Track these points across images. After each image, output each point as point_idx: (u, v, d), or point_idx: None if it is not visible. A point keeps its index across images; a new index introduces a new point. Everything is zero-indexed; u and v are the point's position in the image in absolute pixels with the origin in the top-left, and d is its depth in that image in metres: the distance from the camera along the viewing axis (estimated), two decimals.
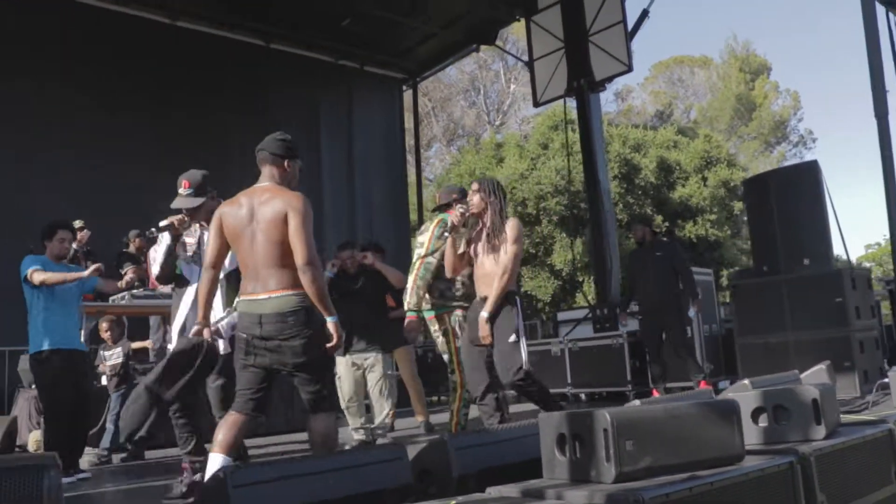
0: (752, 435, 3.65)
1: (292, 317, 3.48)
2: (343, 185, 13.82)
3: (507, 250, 4.73)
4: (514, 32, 24.04)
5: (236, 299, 3.83)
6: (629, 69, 11.20)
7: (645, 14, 11.32)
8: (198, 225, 4.75)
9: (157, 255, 4.72)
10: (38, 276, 5.29)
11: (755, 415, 3.73)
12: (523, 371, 4.60)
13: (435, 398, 11.98)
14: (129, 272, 8.48)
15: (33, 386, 7.83)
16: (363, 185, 13.97)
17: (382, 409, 6.42)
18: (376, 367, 6.40)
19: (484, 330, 4.69)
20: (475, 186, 4.98)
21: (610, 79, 11.85)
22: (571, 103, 12.14)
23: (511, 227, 4.78)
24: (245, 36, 12.75)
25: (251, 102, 12.70)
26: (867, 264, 28.66)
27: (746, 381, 4.81)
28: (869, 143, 49.85)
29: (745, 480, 2.82)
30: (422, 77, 15.62)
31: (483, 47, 15.64)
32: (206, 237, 4.46)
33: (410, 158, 17.24)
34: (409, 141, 16.69)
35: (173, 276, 4.78)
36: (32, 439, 7.21)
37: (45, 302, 5.42)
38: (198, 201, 4.62)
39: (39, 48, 10.56)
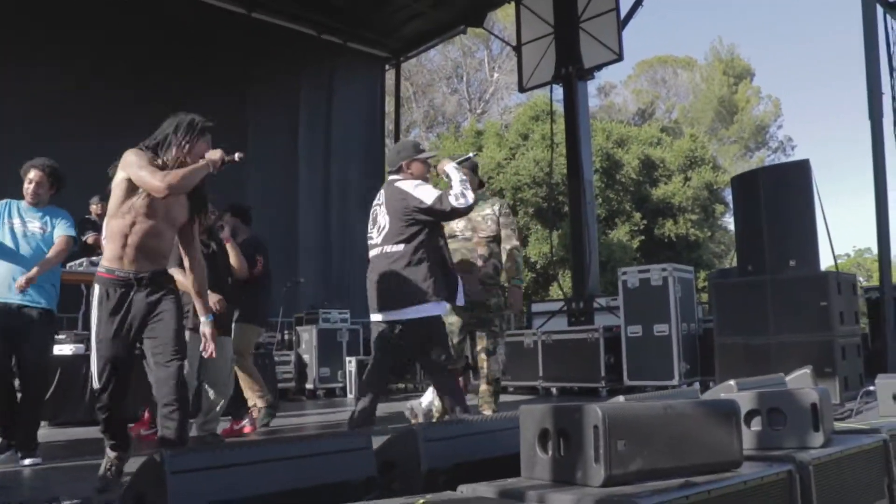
0: (745, 440, 3.41)
1: None
2: (320, 165, 13.47)
3: None
4: (501, 19, 23.72)
5: None
6: (620, 58, 10.93)
7: (639, 2, 11.04)
8: None
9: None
10: None
11: (748, 418, 3.48)
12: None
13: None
14: (90, 238, 8.20)
15: None
16: (340, 167, 13.62)
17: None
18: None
19: None
20: None
21: (599, 67, 11.56)
22: (556, 95, 11.89)
23: None
24: (226, 3, 12.29)
25: (229, 72, 12.29)
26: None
27: (732, 383, 4.57)
28: (840, 157, 50.31)
29: (744, 489, 2.56)
30: (406, 57, 15.26)
31: (469, 32, 15.34)
32: None
33: (389, 142, 16.89)
34: (389, 125, 16.35)
35: None
36: None
37: None
38: None
39: None
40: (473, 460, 2.78)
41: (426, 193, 4.36)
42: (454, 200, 4.28)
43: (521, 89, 12.70)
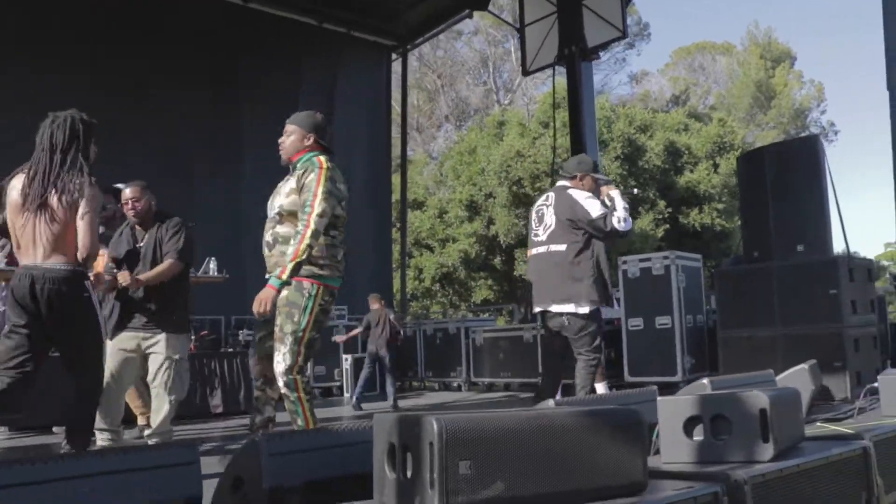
0: (683, 452, 2.90)
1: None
2: None
3: None
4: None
5: None
6: (623, 35, 10.36)
7: None
8: None
9: None
10: None
11: (689, 426, 2.96)
12: None
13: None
14: None
15: None
16: (344, 161, 13.05)
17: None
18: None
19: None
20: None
21: (603, 45, 10.95)
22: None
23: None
24: None
25: (223, 66, 11.81)
26: (886, 263, 27.73)
27: (705, 381, 4.08)
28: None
29: None
30: (413, 45, 14.76)
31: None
32: None
33: (396, 132, 16.41)
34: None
35: None
36: None
37: None
38: None
39: None
40: (326, 478, 2.32)
41: (594, 207, 4.94)
42: (616, 222, 4.87)
43: (525, 72, 12.16)
